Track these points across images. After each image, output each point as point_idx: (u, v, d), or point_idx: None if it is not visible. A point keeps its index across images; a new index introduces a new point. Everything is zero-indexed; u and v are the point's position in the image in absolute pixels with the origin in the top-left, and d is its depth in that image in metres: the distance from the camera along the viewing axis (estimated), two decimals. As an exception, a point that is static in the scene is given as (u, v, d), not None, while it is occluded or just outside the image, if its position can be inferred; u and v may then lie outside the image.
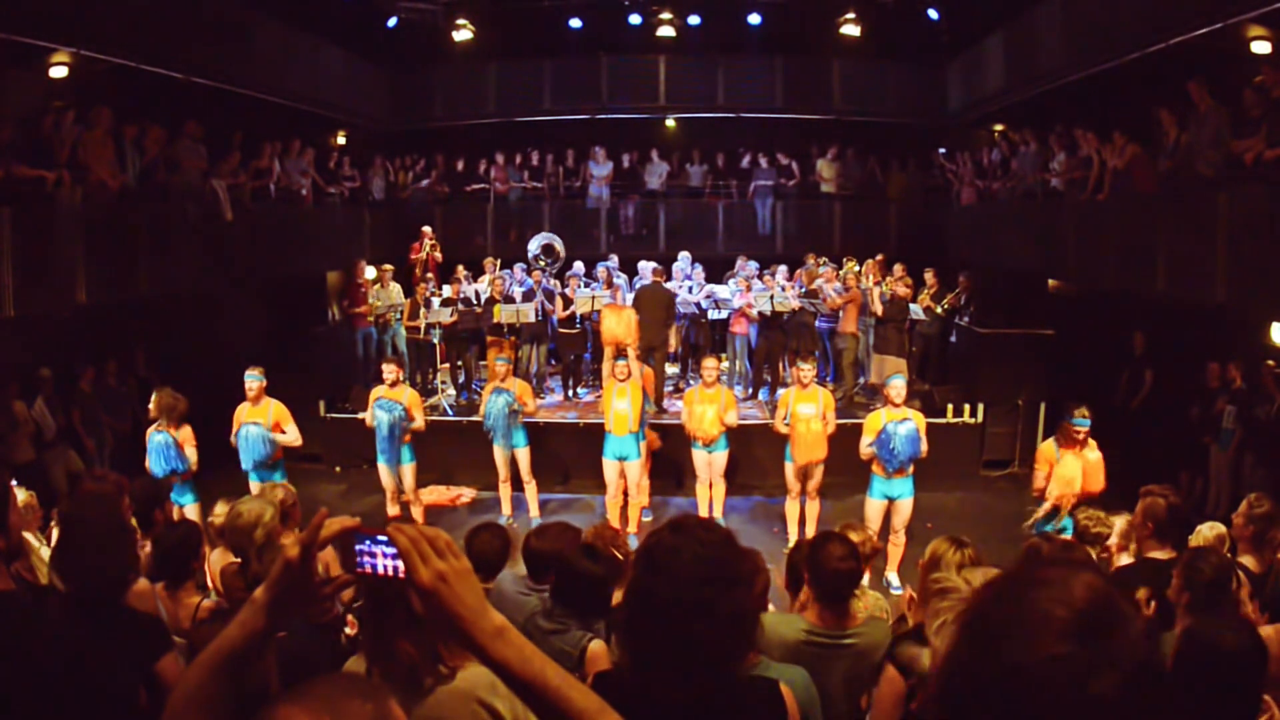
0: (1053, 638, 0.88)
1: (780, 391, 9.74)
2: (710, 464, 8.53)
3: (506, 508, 9.08)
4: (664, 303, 10.85)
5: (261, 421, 7.37)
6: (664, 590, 1.58)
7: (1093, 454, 6.41)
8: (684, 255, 13.21)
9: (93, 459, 9.14)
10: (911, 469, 7.39)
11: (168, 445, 6.78)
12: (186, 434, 6.90)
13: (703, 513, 8.62)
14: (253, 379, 7.42)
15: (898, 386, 7.40)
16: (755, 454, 9.84)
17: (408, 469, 8.36)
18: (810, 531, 8.15)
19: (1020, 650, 0.89)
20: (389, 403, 8.13)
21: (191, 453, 6.89)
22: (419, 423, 8.28)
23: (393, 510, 8.39)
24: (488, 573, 3.79)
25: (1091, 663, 0.87)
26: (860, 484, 9.77)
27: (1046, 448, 6.60)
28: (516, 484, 9.12)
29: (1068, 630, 0.89)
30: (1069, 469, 6.33)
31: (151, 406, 6.95)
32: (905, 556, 7.44)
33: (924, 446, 7.34)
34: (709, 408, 8.29)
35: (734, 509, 9.31)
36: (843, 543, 3.20)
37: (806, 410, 7.99)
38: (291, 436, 7.49)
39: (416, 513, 8.53)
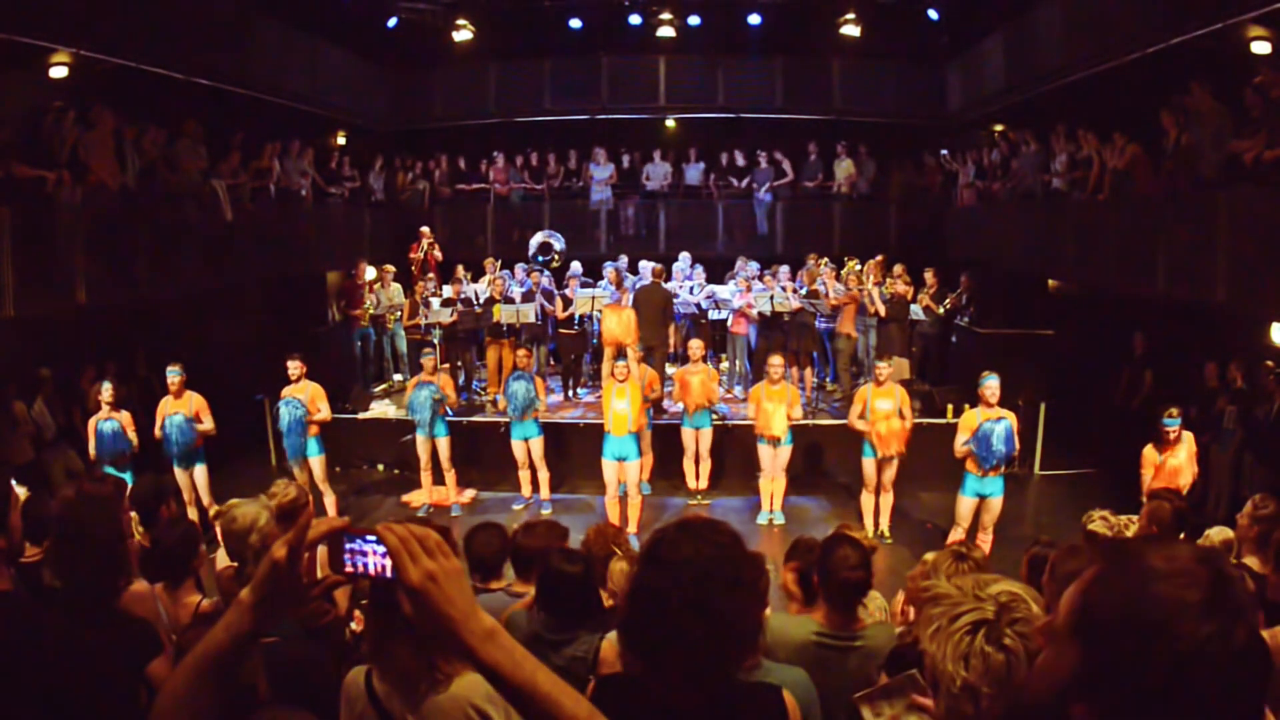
0: (1197, 619, 0.99)
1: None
2: (775, 458, 8.88)
3: (426, 495, 9.31)
4: (662, 302, 10.85)
5: (183, 412, 8.04)
6: (666, 587, 1.57)
7: (1183, 451, 6.75)
8: (684, 256, 13.20)
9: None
10: (1003, 467, 7.52)
11: (118, 430, 7.68)
12: (127, 418, 7.87)
13: (764, 506, 9.08)
14: (173, 374, 8.09)
15: (993, 386, 7.47)
16: (739, 455, 9.86)
17: (315, 462, 8.54)
18: (884, 523, 8.60)
19: (1179, 639, 0.99)
20: (290, 400, 8.39)
21: (132, 434, 7.82)
22: (324, 414, 8.50)
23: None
24: (486, 573, 3.78)
25: (1231, 628, 0.99)
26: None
27: (1149, 452, 6.86)
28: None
29: (1207, 609, 1.00)
30: (1174, 465, 6.66)
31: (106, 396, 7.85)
32: (990, 555, 7.42)
33: (1017, 444, 7.54)
34: (778, 406, 8.65)
35: (735, 510, 9.34)
36: (855, 549, 3.17)
37: (884, 406, 8.29)
38: (207, 425, 8.13)
39: (328, 503, 8.57)
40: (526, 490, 9.44)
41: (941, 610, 1.43)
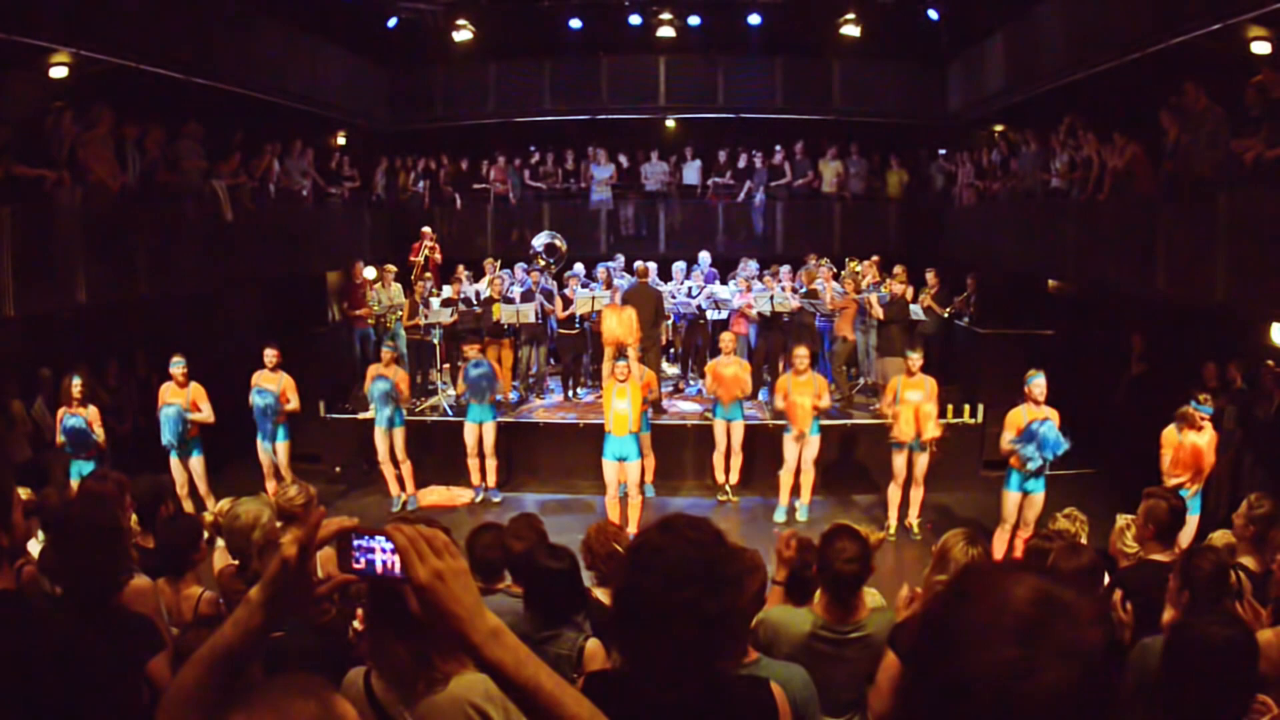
0: (995, 643, 0.92)
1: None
2: (803, 451, 8.92)
3: (394, 488, 9.52)
4: (652, 302, 10.87)
5: (180, 401, 8.32)
6: (650, 589, 1.58)
7: (1206, 435, 6.81)
8: (704, 256, 13.22)
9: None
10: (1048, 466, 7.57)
11: (82, 426, 7.69)
12: (94, 413, 7.86)
13: (783, 499, 9.12)
14: (177, 365, 8.41)
15: (1040, 384, 7.45)
16: (765, 455, 9.88)
17: (281, 447, 8.96)
18: (913, 516, 8.71)
19: (964, 658, 0.92)
20: (261, 389, 8.76)
21: (99, 430, 7.86)
22: (293, 404, 8.90)
23: (270, 486, 8.66)
24: (489, 574, 3.77)
25: (1035, 660, 0.90)
26: (848, 486, 9.90)
27: (1169, 433, 6.90)
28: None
29: (1010, 635, 0.92)
30: (1195, 447, 6.75)
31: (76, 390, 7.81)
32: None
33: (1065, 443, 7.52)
34: (806, 398, 8.73)
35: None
36: (854, 542, 3.17)
37: (914, 395, 8.42)
38: (206, 414, 8.43)
39: (294, 490, 8.57)
40: (476, 478, 9.59)
41: None
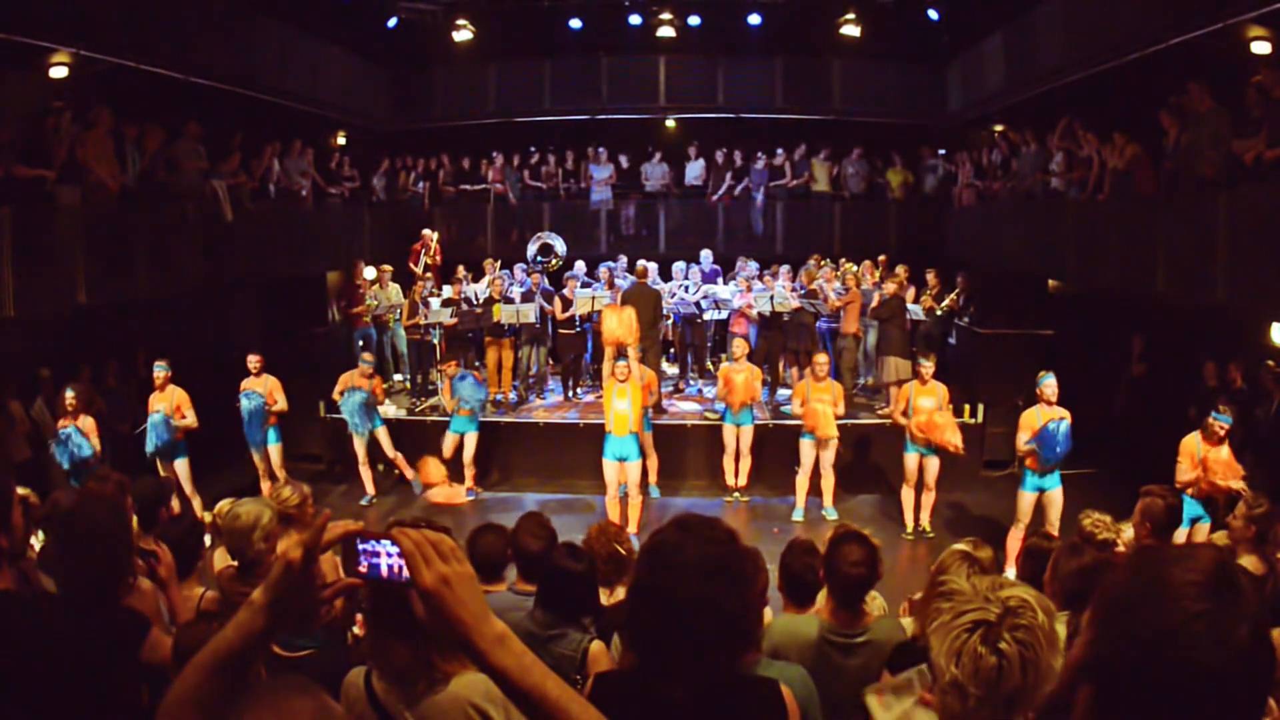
0: (1192, 599, 1.04)
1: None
2: (824, 454, 9.03)
3: (370, 488, 9.82)
4: (652, 302, 10.88)
5: (165, 407, 8.38)
6: (667, 587, 1.58)
7: (1225, 450, 6.68)
8: (705, 254, 13.22)
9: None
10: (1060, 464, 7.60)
11: (74, 438, 7.66)
12: (90, 424, 7.87)
13: (800, 500, 9.21)
14: (160, 369, 8.52)
15: (1052, 385, 7.52)
16: (767, 454, 9.89)
17: (273, 449, 9.19)
18: (925, 519, 8.75)
19: (1168, 614, 1.04)
20: (249, 392, 9.04)
21: (95, 440, 7.85)
22: (280, 405, 9.12)
23: (265, 486, 8.85)
24: (490, 574, 3.77)
25: (1227, 617, 1.03)
26: (862, 487, 9.92)
27: (1189, 442, 6.79)
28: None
29: (1204, 591, 1.05)
30: (1216, 459, 6.64)
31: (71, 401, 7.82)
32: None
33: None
34: (826, 405, 8.84)
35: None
36: (861, 546, 3.16)
37: (927, 403, 8.44)
38: (190, 420, 8.48)
39: (288, 491, 8.67)
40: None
41: (950, 605, 1.43)
